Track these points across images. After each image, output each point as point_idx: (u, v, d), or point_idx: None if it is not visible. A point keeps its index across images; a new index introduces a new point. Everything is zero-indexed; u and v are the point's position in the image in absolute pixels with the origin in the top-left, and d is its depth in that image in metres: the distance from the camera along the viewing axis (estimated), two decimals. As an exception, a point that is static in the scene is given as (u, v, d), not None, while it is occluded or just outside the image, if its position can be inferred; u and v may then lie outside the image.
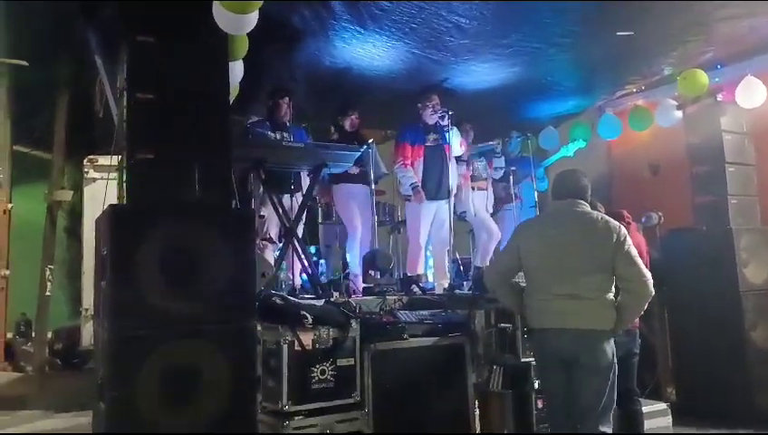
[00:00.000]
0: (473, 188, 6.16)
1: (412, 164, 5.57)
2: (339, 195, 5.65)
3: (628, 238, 3.18)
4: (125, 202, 3.14)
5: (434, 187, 5.52)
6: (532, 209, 6.48)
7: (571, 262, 3.17)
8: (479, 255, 6.16)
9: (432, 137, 5.58)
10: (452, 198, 5.51)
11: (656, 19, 4.53)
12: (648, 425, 4.06)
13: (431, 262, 6.14)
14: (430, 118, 5.56)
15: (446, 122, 5.45)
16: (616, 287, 3.18)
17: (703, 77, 5.29)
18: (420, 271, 5.53)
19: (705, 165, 5.27)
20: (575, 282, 3.14)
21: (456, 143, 5.65)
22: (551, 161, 6.91)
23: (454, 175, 5.58)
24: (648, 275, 3.14)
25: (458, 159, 5.80)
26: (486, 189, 6.28)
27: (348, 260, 5.67)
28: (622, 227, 3.22)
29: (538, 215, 3.54)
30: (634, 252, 3.16)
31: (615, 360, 3.16)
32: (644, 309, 3.21)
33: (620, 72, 5.82)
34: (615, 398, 3.16)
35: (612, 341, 3.17)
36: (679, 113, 5.72)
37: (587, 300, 3.12)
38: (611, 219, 3.26)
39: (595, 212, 3.32)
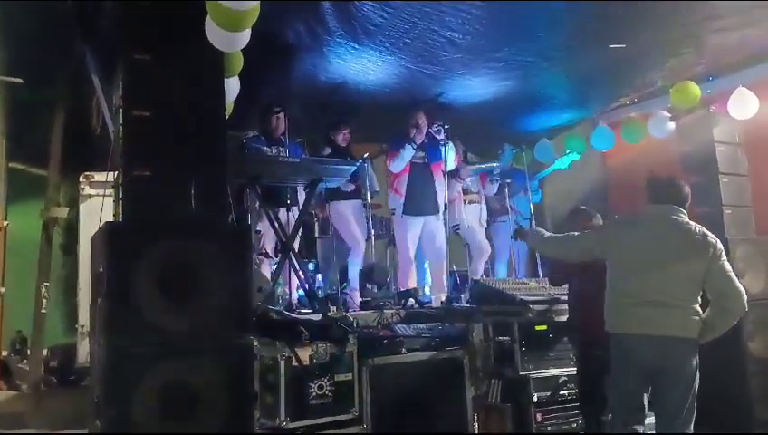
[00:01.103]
0: (465, 202, 6.16)
1: (396, 182, 5.58)
2: (335, 212, 5.66)
3: (724, 253, 3.18)
4: (121, 219, 3.13)
5: (418, 202, 5.55)
6: (527, 222, 6.49)
7: (664, 269, 3.14)
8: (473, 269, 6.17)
9: (419, 155, 5.60)
10: (447, 212, 5.53)
11: (648, 32, 4.57)
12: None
13: (428, 276, 6.14)
14: (417, 138, 5.55)
15: (441, 136, 5.47)
16: (702, 298, 3.17)
17: (695, 89, 5.32)
18: (412, 285, 5.53)
19: (698, 176, 5.28)
20: (664, 289, 3.12)
21: (451, 158, 5.66)
22: (545, 174, 6.94)
23: (442, 190, 5.58)
24: (743, 290, 3.14)
25: (452, 173, 5.79)
26: (479, 202, 6.27)
27: (349, 275, 5.67)
28: (719, 240, 3.22)
29: (634, 215, 3.49)
30: (729, 267, 3.16)
31: (698, 369, 3.15)
32: (734, 324, 3.18)
33: (614, 85, 5.85)
34: (695, 407, 3.16)
35: (697, 350, 3.16)
36: (672, 124, 5.75)
37: (674, 308, 3.11)
38: (709, 232, 3.24)
39: (693, 223, 3.29)
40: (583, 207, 4.28)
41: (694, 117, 5.48)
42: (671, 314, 3.11)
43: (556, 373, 4.20)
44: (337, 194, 5.44)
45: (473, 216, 6.14)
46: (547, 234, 3.71)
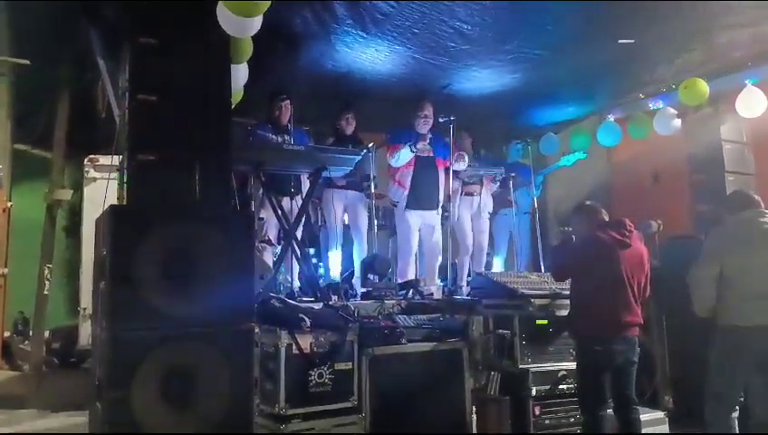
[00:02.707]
0: (461, 193, 6.08)
1: (400, 174, 5.53)
2: (324, 198, 5.63)
3: None
4: (125, 203, 3.13)
5: (422, 197, 5.53)
6: (527, 216, 6.47)
7: (763, 263, 3.51)
8: (474, 260, 6.15)
9: (426, 148, 5.55)
10: (451, 205, 5.51)
11: (657, 27, 4.54)
12: (646, 432, 4.05)
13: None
14: (423, 128, 5.51)
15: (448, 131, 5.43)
16: None
17: (704, 86, 5.29)
18: (412, 277, 5.52)
19: (704, 174, 5.28)
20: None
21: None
22: (550, 170, 6.92)
23: (443, 185, 5.55)
24: None
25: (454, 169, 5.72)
26: (477, 194, 6.19)
27: (321, 263, 5.68)
28: None
29: (727, 226, 3.82)
30: None
31: None
32: None
33: (621, 80, 5.83)
34: None
35: None
36: (678, 122, 5.72)
37: None
38: None
39: None
40: (589, 203, 4.26)
41: (701, 115, 5.46)
42: None
43: (556, 367, 4.21)
44: (327, 181, 5.25)
45: (465, 207, 6.07)
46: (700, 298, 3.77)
